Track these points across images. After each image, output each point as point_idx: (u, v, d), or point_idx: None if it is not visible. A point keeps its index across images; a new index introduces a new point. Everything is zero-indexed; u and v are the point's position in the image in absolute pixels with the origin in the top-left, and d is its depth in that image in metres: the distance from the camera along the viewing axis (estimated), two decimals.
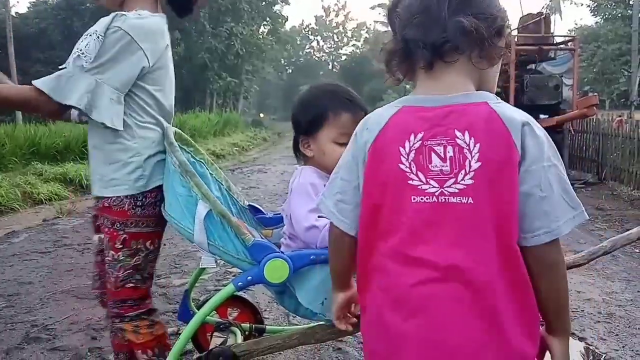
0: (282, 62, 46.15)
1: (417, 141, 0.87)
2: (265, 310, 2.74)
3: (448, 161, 0.85)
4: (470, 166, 0.84)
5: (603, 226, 4.71)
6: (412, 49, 0.89)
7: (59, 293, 3.11)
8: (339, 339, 2.29)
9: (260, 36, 27.29)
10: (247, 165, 11.04)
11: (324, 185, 1.47)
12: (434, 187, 0.86)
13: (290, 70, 52.83)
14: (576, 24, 34.68)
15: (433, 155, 0.86)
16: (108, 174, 1.56)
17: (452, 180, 0.85)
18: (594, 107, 6.21)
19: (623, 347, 2.33)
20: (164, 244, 4.20)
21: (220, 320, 2.01)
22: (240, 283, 1.39)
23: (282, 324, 2.59)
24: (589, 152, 7.54)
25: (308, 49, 56.47)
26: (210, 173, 1.80)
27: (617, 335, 2.46)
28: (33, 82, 1.46)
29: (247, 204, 1.93)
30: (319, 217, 1.41)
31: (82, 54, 1.46)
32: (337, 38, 56.21)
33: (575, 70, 7.40)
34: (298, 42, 51.46)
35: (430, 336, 0.86)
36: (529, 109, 7.29)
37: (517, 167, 0.83)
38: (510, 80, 6.88)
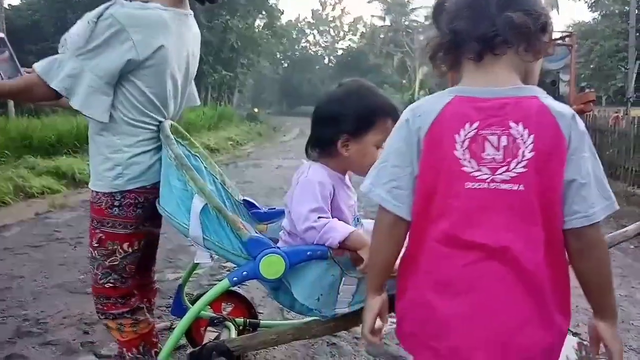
0: (278, 56, 45.93)
1: (472, 130, 0.92)
2: (259, 305, 2.72)
3: (501, 150, 0.91)
4: (523, 155, 0.90)
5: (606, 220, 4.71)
6: (462, 40, 0.95)
7: (50, 287, 3.08)
8: (334, 334, 2.28)
9: (256, 30, 27.11)
10: (242, 159, 11.00)
11: (332, 185, 1.49)
12: (485, 174, 0.92)
13: (286, 65, 52.61)
14: (573, 20, 34.72)
15: (487, 144, 0.92)
16: (94, 167, 1.55)
17: (504, 169, 0.91)
18: (591, 104, 6.22)
19: None
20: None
21: (214, 315, 1.99)
22: (235, 278, 1.37)
23: (276, 319, 2.58)
24: None
25: (304, 42, 56.24)
26: (204, 167, 1.78)
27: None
28: (34, 66, 1.45)
29: (242, 198, 1.91)
30: (319, 217, 1.41)
31: (71, 37, 1.43)
32: (334, 32, 56.01)
33: (572, 66, 7.40)
34: (294, 36, 51.26)
35: (479, 315, 0.93)
36: None
37: (565, 157, 0.90)
38: None
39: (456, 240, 0.94)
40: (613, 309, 0.99)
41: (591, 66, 24.33)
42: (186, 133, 1.71)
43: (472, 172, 0.92)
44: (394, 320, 2.24)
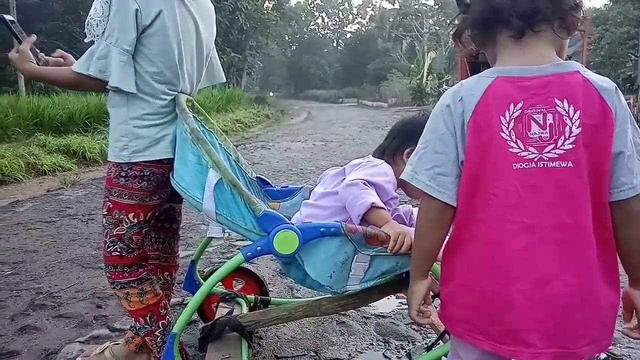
0: (287, 38, 45.58)
1: (517, 110, 0.92)
2: (269, 283, 2.75)
3: (548, 128, 0.91)
4: (571, 132, 0.90)
5: None
6: (502, 17, 0.94)
7: (63, 262, 3.13)
8: (343, 312, 2.31)
9: (265, 11, 26.89)
10: (250, 141, 11.00)
11: (392, 197, 1.59)
12: (533, 153, 0.92)
13: (294, 47, 52.24)
14: (585, 6, 34.00)
15: (532, 123, 0.92)
16: (109, 138, 1.59)
17: (552, 146, 0.91)
18: None
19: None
20: None
21: (226, 291, 2.02)
22: (249, 253, 1.39)
23: (285, 297, 2.60)
24: None
25: (313, 25, 55.76)
26: (219, 143, 1.79)
27: (620, 315, 2.46)
28: (72, 68, 1.49)
29: (255, 175, 1.93)
30: (365, 187, 1.50)
31: (92, 19, 1.44)
32: (342, 15, 55.49)
33: (584, 52, 7.28)
34: (303, 19, 50.79)
35: (534, 299, 0.93)
36: None
37: (613, 130, 0.90)
38: None
39: (507, 222, 0.94)
40: None
41: (601, 53, 23.95)
42: (201, 108, 1.71)
43: (520, 152, 0.92)
44: (404, 301, 2.25)
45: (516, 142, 0.92)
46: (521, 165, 0.92)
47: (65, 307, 2.48)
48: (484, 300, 0.97)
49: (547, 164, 0.91)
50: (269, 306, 2.06)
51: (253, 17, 24.49)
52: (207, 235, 1.45)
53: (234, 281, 2.15)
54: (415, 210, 1.82)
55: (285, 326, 2.23)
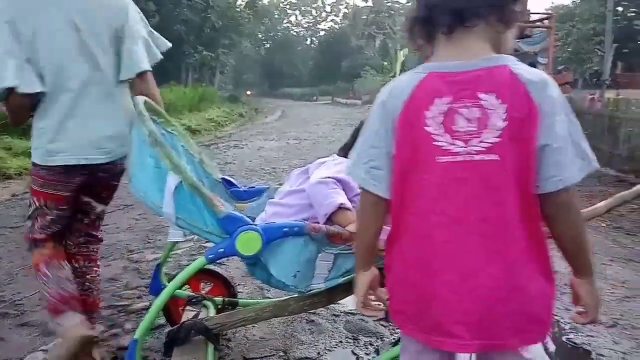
0: (260, 36, 45.32)
1: (444, 104, 0.93)
2: (239, 284, 2.74)
3: (474, 122, 0.92)
4: (496, 125, 0.91)
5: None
6: (435, 14, 0.95)
7: (27, 268, 3.04)
8: (312, 311, 2.31)
9: (238, 9, 26.67)
10: (223, 140, 10.91)
11: (356, 193, 1.55)
12: (459, 147, 0.93)
13: (267, 45, 51.96)
14: (552, 3, 34.87)
15: (458, 117, 0.93)
16: None
17: (477, 140, 0.92)
18: (568, 85, 6.29)
19: None
20: (136, 219, 4.17)
21: (193, 294, 2.00)
22: (211, 255, 1.38)
23: (256, 297, 2.59)
24: None
25: (286, 23, 55.54)
26: (181, 145, 1.77)
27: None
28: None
29: (221, 177, 1.91)
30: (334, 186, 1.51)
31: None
32: (316, 13, 55.43)
33: (550, 48, 7.46)
34: (276, 16, 50.56)
35: (459, 291, 0.94)
36: None
37: (537, 123, 0.90)
38: None
39: (434, 215, 0.95)
40: (589, 267, 1.02)
41: (568, 49, 24.57)
42: (162, 111, 1.69)
43: (446, 146, 0.93)
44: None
45: (443, 136, 0.93)
46: (447, 159, 0.93)
47: (28, 315, 2.41)
48: (414, 293, 0.99)
49: (473, 157, 0.92)
50: (238, 307, 2.05)
51: (225, 15, 24.25)
52: (168, 240, 1.43)
53: (201, 283, 2.13)
54: None
55: (255, 327, 2.22)
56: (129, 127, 1.64)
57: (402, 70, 23.87)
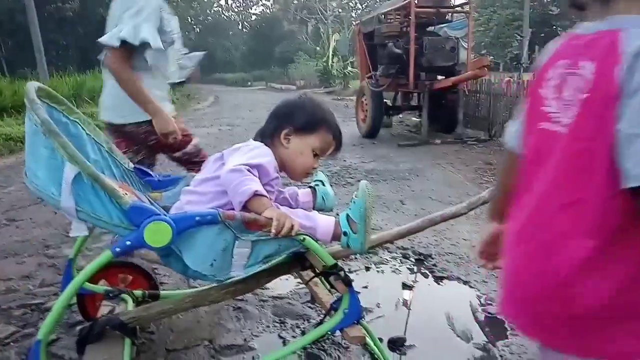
0: (189, 20, 43.71)
1: (559, 69, 0.90)
2: (165, 275, 2.67)
3: (572, 91, 0.85)
4: (582, 97, 0.83)
5: (491, 179, 5.08)
6: None
7: None
8: (239, 297, 2.30)
9: None
10: None
11: (273, 178, 1.58)
12: (557, 114, 0.88)
13: (198, 30, 50.33)
14: None
15: (564, 84, 0.88)
16: None
17: (568, 111, 0.86)
18: (485, 68, 6.56)
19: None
20: (55, 213, 3.94)
21: (110, 288, 1.92)
22: (118, 249, 1.32)
23: (181, 288, 2.54)
24: (482, 111, 8.03)
25: (216, 7, 53.98)
26: (87, 134, 1.67)
27: (497, 277, 2.69)
28: None
29: (133, 166, 1.84)
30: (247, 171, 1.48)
31: None
32: None
33: (469, 33, 7.76)
34: (205, 0, 49.00)
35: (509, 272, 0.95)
36: (427, 70, 7.47)
37: (617, 103, 0.77)
38: (410, 42, 7.07)
39: (525, 184, 0.95)
40: None
41: (490, 34, 25.67)
42: (62, 98, 1.59)
43: (548, 110, 0.91)
44: (300, 281, 2.28)
45: (549, 101, 0.91)
46: (545, 126, 0.90)
47: None
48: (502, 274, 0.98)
49: (561, 129, 0.86)
50: (159, 299, 1.99)
51: None
52: (70, 235, 1.36)
53: (120, 276, 2.05)
54: (301, 191, 1.84)
55: (180, 317, 2.18)
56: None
57: (334, 55, 24.02)
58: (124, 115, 2.28)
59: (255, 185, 1.47)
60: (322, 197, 1.82)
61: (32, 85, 1.36)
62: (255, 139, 1.73)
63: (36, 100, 1.28)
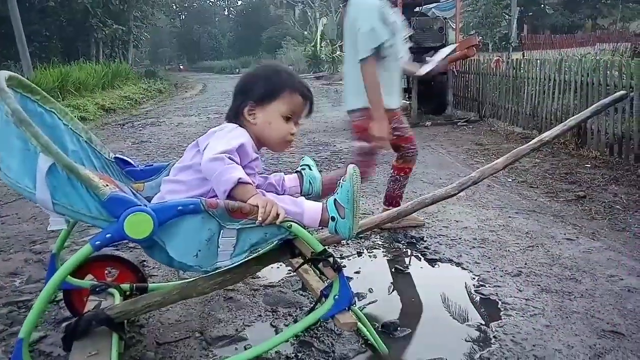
0: (174, 7, 43.06)
1: None
2: (153, 267, 2.63)
3: None
4: None
5: (481, 160, 5.07)
6: None
7: None
8: (230, 287, 2.27)
9: None
10: (138, 118, 10.36)
11: (252, 159, 1.54)
12: None
13: (183, 17, 49.64)
14: None
15: None
16: None
17: None
18: (474, 48, 6.50)
19: (494, 268, 2.55)
20: (41, 208, 3.87)
21: (96, 282, 1.88)
22: (98, 242, 1.28)
23: (171, 280, 2.50)
24: (471, 92, 8.00)
25: None
26: (64, 124, 1.62)
27: (490, 258, 2.68)
28: None
29: (113, 156, 1.78)
30: (229, 158, 1.43)
31: None
32: None
33: (457, 13, 7.69)
34: None
35: None
36: (416, 51, 7.43)
37: None
38: None
39: None
40: None
41: (478, 14, 25.52)
42: (37, 87, 1.53)
43: None
44: (291, 269, 2.24)
45: None
46: None
47: None
48: None
49: None
50: (147, 292, 1.96)
51: None
52: (48, 228, 1.31)
53: (106, 270, 2.01)
54: (287, 177, 1.80)
55: (170, 310, 2.14)
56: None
57: (322, 40, 23.81)
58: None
59: (238, 172, 1.43)
60: (310, 182, 1.78)
61: (1, 75, 1.30)
62: (227, 120, 1.67)
63: (5, 89, 1.22)
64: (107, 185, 1.32)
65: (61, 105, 1.64)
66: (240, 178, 1.41)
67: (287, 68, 1.75)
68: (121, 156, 1.80)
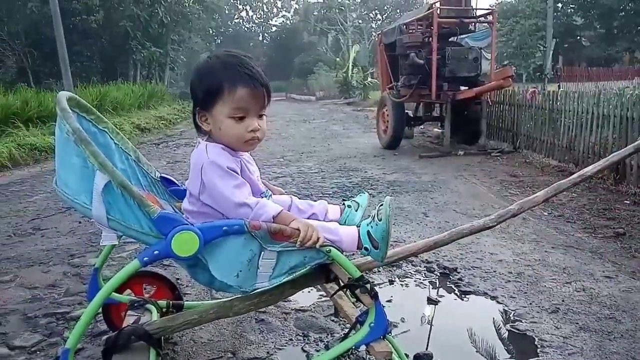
0: (211, 32, 44.36)
1: None
2: (187, 286, 2.67)
3: None
4: None
5: (516, 192, 4.99)
6: None
7: None
8: (262, 310, 2.28)
9: (186, 4, 26.02)
10: (173, 139, 10.63)
11: (236, 159, 1.48)
12: None
13: (219, 41, 51.05)
14: (496, 0, 36.06)
15: None
16: None
17: None
18: (510, 79, 6.48)
19: (530, 303, 2.49)
20: (79, 222, 3.99)
21: (135, 298, 1.92)
22: (146, 258, 1.32)
23: (204, 299, 2.53)
24: (505, 123, 7.92)
25: (237, 19, 54.76)
26: (115, 143, 1.69)
27: (526, 293, 2.62)
28: None
29: (159, 175, 1.84)
30: (249, 194, 1.40)
31: None
32: (267, 8, 54.87)
33: (493, 43, 7.69)
34: (226, 12, 49.69)
35: None
36: (450, 81, 7.48)
37: None
38: (432, 52, 7.04)
39: None
40: None
41: (513, 44, 25.45)
42: (92, 107, 1.61)
43: None
44: (323, 293, 2.26)
45: None
46: None
47: None
48: None
49: None
50: (183, 310, 1.98)
51: (174, 10, 23.61)
52: (101, 243, 1.36)
53: (144, 286, 2.05)
54: (331, 207, 1.81)
55: (202, 329, 2.17)
56: None
57: (354, 66, 24.09)
58: None
59: (270, 209, 1.45)
60: (345, 221, 1.78)
61: (63, 95, 1.37)
62: (198, 132, 1.58)
63: (68, 110, 1.29)
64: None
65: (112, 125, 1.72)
66: (274, 215, 1.44)
67: (227, 56, 1.49)
68: (166, 175, 1.86)
